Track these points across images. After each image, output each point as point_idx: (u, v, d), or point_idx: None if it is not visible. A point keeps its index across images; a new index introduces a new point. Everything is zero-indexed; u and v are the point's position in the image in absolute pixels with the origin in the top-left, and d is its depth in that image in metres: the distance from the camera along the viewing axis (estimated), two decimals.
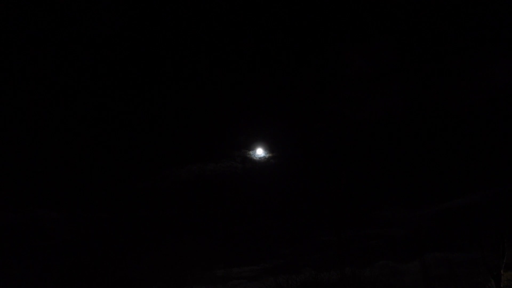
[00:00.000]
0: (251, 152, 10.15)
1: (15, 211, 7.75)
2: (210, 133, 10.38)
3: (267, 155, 10.17)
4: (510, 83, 8.65)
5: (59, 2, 8.91)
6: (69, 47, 9.02)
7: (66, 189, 8.97)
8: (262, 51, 9.87)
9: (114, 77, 9.35)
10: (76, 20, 9.07)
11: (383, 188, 10.99)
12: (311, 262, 10.33)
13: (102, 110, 9.50)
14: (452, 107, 8.98)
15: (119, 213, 9.39)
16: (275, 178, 10.35)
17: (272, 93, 10.10)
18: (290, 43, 9.73)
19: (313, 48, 9.82)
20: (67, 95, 9.04)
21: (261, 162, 10.13)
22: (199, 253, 9.20)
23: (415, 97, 9.33)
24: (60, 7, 8.94)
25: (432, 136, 9.19)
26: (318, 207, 10.97)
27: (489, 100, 8.81)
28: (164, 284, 8.68)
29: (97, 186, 9.60)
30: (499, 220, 8.68)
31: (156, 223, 9.85)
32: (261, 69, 9.85)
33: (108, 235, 9.19)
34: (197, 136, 10.32)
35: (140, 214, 9.57)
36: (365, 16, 9.33)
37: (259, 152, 10.09)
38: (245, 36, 9.71)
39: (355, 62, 9.43)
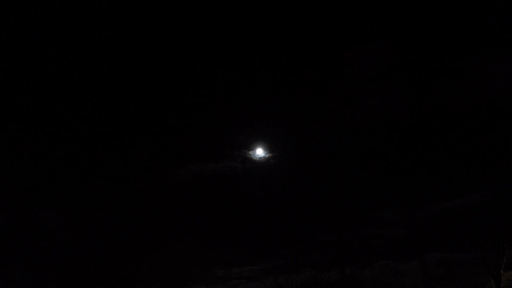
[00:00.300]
0: (251, 152, 10.08)
1: (15, 211, 7.75)
2: (210, 133, 10.33)
3: (267, 155, 10.10)
4: (510, 83, 8.66)
5: (59, 2, 8.91)
6: (69, 47, 9.02)
7: (66, 189, 8.94)
8: (262, 51, 9.85)
9: (114, 77, 9.33)
10: (76, 20, 9.07)
11: (383, 188, 10.99)
12: (311, 262, 10.33)
13: (101, 110, 9.46)
14: (452, 108, 8.98)
15: (119, 213, 9.36)
16: (275, 178, 10.30)
17: (272, 93, 10.11)
18: (290, 43, 9.71)
19: (314, 48, 9.81)
20: (67, 95, 9.03)
21: (261, 162, 10.06)
22: (199, 253, 9.17)
23: (415, 98, 9.33)
24: (60, 7, 8.94)
25: (432, 136, 9.19)
26: (318, 207, 10.96)
27: (489, 100, 8.82)
28: (164, 284, 8.64)
29: (97, 186, 9.59)
30: (499, 220, 8.68)
31: (156, 223, 9.83)
32: (261, 69, 9.82)
33: (108, 235, 9.16)
34: (197, 136, 10.28)
35: (140, 214, 9.55)
36: (365, 17, 9.33)
37: (259, 152, 10.01)
38: (245, 36, 9.69)
39: (355, 62, 9.43)
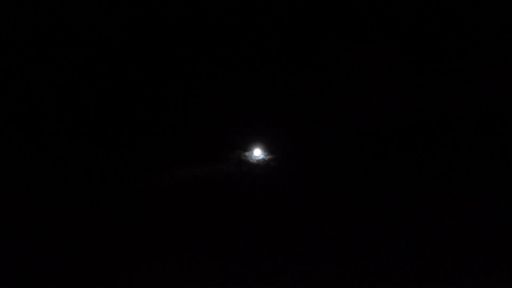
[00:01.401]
0: (247, 154, 8.48)
1: (15, 211, 7.72)
2: (197, 131, 8.68)
3: (267, 157, 8.49)
4: (510, 83, 8.67)
5: (59, 2, 8.93)
6: (64, 45, 9.04)
7: (63, 189, 8.70)
8: (261, 45, 9.51)
9: (108, 77, 9.24)
10: (76, 20, 9.08)
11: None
12: None
13: (87, 111, 8.95)
14: (452, 107, 8.99)
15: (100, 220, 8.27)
16: (277, 185, 8.31)
17: (272, 82, 8.97)
18: (290, 42, 9.66)
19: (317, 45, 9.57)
20: (65, 95, 9.03)
21: (260, 166, 8.42)
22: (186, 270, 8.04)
23: (416, 98, 9.35)
24: (60, 7, 8.96)
25: (433, 136, 9.20)
26: (326, 220, 9.17)
27: (489, 100, 8.84)
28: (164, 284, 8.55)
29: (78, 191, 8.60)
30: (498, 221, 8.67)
31: (133, 237, 8.41)
32: (258, 58, 9.45)
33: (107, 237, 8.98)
34: (181, 134, 8.70)
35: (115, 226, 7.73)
36: (366, 16, 9.36)
37: (257, 153, 8.47)
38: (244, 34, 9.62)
39: (355, 62, 9.44)
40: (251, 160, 8.61)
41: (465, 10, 8.74)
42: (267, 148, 8.72)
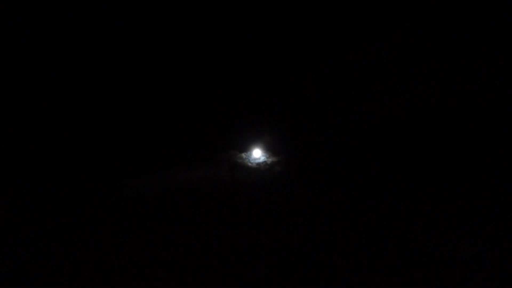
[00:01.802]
0: (244, 155, 7.19)
1: (15, 211, 7.72)
2: (183, 128, 7.53)
3: (269, 160, 7.19)
4: (510, 83, 8.66)
5: (59, 2, 8.94)
6: (64, 45, 9.04)
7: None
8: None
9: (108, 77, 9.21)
10: (76, 20, 9.08)
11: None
12: None
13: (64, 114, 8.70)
14: (452, 107, 8.97)
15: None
16: (281, 193, 6.83)
17: (272, 82, 8.20)
18: (290, 41, 9.65)
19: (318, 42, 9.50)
20: (65, 95, 9.02)
21: (260, 170, 7.04)
22: None
23: (416, 98, 9.34)
24: (60, 7, 8.96)
25: (433, 136, 9.18)
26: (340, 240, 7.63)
27: (489, 100, 8.82)
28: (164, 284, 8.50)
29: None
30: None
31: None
32: (258, 58, 9.23)
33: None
34: (178, 135, 7.60)
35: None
36: (366, 16, 9.36)
37: (257, 154, 7.19)
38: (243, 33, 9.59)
39: (355, 62, 9.44)
40: (249, 163, 7.31)
41: (465, 10, 8.73)
42: (270, 148, 7.45)
